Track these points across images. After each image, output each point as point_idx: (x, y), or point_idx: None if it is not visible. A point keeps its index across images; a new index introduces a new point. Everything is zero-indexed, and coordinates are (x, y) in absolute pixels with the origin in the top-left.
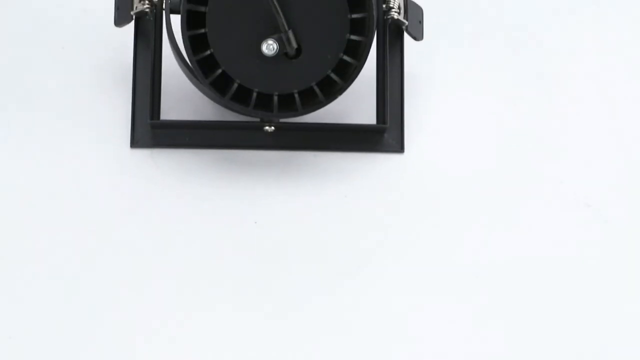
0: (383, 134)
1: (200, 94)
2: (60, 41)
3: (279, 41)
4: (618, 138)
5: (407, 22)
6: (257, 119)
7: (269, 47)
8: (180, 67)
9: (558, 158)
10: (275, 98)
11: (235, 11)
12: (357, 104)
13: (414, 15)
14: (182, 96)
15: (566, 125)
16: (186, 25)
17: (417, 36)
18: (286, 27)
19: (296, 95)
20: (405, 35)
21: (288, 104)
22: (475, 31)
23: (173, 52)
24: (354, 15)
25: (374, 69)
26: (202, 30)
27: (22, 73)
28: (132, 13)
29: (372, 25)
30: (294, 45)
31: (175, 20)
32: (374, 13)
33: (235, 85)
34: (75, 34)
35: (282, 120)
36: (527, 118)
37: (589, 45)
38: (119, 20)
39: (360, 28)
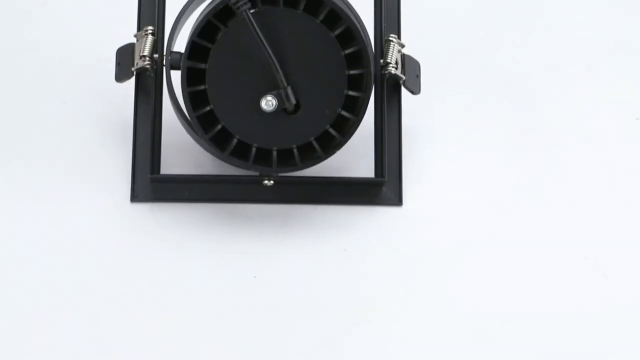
0: (381, 187)
1: (200, 148)
2: (61, 96)
3: (278, 97)
4: (616, 191)
5: (404, 77)
6: (257, 173)
7: (268, 103)
8: (180, 121)
9: (556, 211)
10: (275, 153)
11: (234, 68)
12: (355, 157)
13: (412, 69)
14: (182, 150)
15: (564, 179)
16: (186, 82)
17: (415, 90)
18: (285, 84)
19: (295, 151)
20: (403, 89)
21: (287, 159)
22: (471, 85)
23: (173, 107)
24: (352, 72)
25: (372, 122)
26: (202, 87)
27: (24, 127)
28: (133, 69)
29: (370, 81)
30: (293, 101)
31: (176, 76)
32: (372, 69)
33: (235, 140)
34: (77, 88)
35: (281, 174)
36: (525, 171)
37: (585, 98)
38: (120, 76)
39: (358, 84)
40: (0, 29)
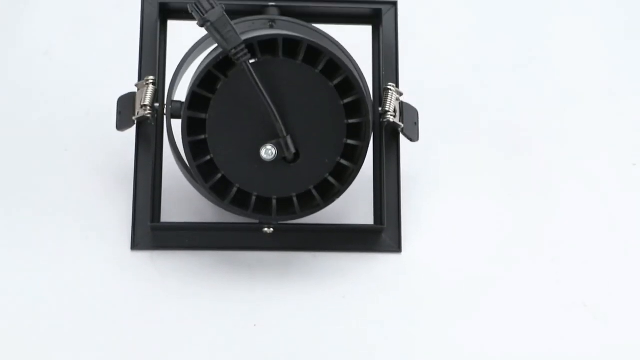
0: (381, 234)
1: (200, 195)
2: (63, 143)
3: (278, 146)
4: (614, 237)
5: (402, 125)
6: (257, 221)
7: (268, 152)
8: (181, 169)
9: (554, 257)
10: (274, 202)
11: (234, 117)
12: (354, 204)
13: (410, 117)
14: (182, 198)
15: (562, 225)
16: (187, 132)
17: (413, 137)
18: (284, 133)
19: (295, 199)
20: (402, 136)
21: (287, 207)
22: (469, 131)
23: (174, 156)
24: (351, 121)
25: (371, 169)
26: (203, 137)
27: (24, 174)
28: (134, 118)
29: (368, 129)
30: (292, 150)
31: (176, 124)
32: (370, 118)
33: (235, 189)
34: (78, 136)
35: (281, 222)
36: (523, 217)
37: (583, 145)
38: (121, 125)
39: (357, 132)
40: (3, 77)
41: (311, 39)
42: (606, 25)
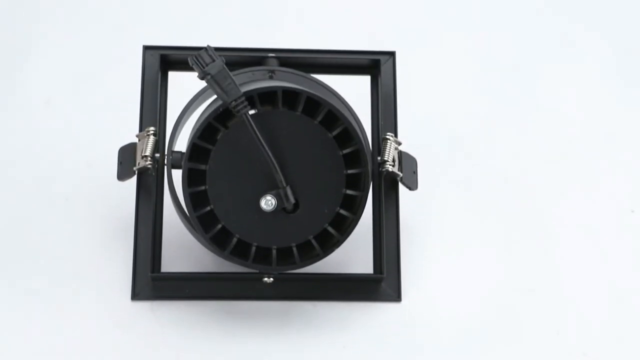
0: (380, 284)
1: (200, 245)
2: (63, 193)
3: (277, 197)
4: (614, 286)
5: (401, 174)
6: (256, 271)
7: (268, 202)
8: (181, 219)
9: (554, 307)
10: (274, 252)
11: (234, 168)
12: (354, 253)
13: (409, 166)
14: (182, 247)
15: (562, 275)
16: (187, 183)
17: (412, 186)
18: (284, 183)
19: (294, 249)
20: (401, 185)
21: (287, 257)
22: (469, 180)
23: (174, 206)
24: (350, 171)
25: (370, 218)
26: (203, 187)
27: (24, 224)
28: (134, 169)
29: (367, 180)
30: (292, 200)
31: (177, 174)
32: (369, 168)
33: (235, 239)
34: (79, 186)
35: (280, 272)
36: (523, 267)
37: (581, 193)
38: (122, 175)
39: (356, 183)
40: (3, 126)
41: (310, 91)
42: (606, 74)
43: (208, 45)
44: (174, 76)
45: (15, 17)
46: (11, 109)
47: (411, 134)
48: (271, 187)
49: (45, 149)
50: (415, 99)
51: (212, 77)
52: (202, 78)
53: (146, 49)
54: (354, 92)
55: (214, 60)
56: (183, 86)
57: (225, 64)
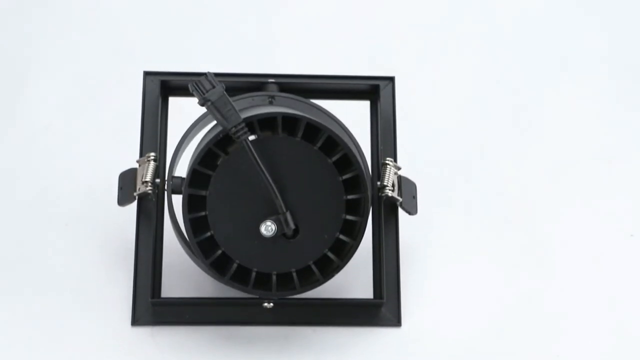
0: (380, 309)
1: (200, 270)
2: (63, 218)
3: (277, 222)
4: (614, 308)
5: (401, 199)
6: (256, 296)
7: (268, 228)
8: (181, 245)
9: (554, 329)
10: (274, 277)
11: (234, 194)
12: (354, 278)
13: (408, 191)
14: (182, 273)
15: (562, 295)
16: (187, 209)
17: (412, 211)
18: (284, 209)
19: (294, 275)
20: (400, 210)
21: (286, 283)
22: (468, 204)
23: (174, 231)
24: (350, 197)
25: (370, 243)
26: (203, 213)
27: (25, 249)
28: (135, 194)
29: (367, 205)
30: (292, 226)
31: (177, 199)
32: (369, 193)
33: (235, 265)
34: (79, 211)
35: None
36: (523, 288)
37: (582, 211)
38: (122, 200)
39: (356, 208)
40: (4, 151)
41: (310, 116)
42: (604, 95)
43: (208, 72)
44: (174, 102)
45: (17, 42)
46: (11, 134)
47: (411, 159)
48: (271, 213)
49: (46, 174)
50: (414, 123)
51: (212, 103)
52: (202, 104)
53: (147, 74)
54: (353, 117)
55: (214, 87)
56: (183, 112)
57: (225, 90)
